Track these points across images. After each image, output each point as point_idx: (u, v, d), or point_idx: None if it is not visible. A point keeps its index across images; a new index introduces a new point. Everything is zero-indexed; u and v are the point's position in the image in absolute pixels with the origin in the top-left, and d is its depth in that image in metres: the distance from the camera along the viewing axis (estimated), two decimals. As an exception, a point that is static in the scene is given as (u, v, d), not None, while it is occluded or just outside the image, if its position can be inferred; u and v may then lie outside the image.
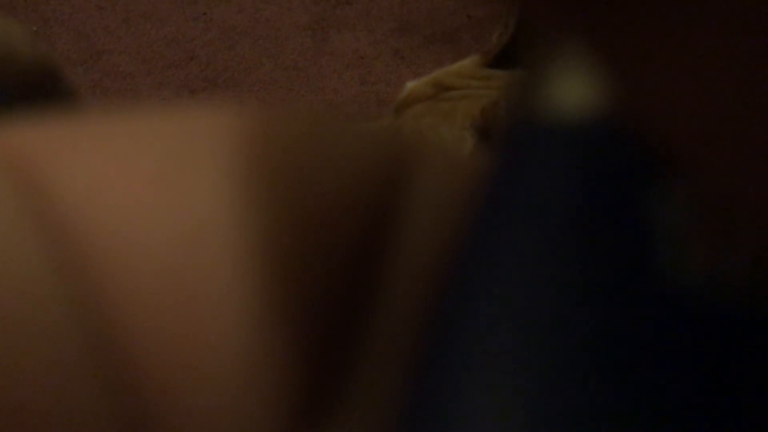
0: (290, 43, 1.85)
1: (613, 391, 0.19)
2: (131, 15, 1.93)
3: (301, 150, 0.22)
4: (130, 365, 0.20)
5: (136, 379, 0.20)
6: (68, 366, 0.19)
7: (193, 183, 0.21)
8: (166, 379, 0.20)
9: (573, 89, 0.20)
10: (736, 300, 0.19)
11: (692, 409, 0.18)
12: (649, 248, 0.19)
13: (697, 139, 0.15)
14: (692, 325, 0.19)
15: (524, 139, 0.20)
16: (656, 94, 0.15)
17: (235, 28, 1.89)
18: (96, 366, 0.20)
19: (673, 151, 0.16)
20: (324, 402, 0.21)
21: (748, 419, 0.18)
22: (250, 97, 1.82)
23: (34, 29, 1.78)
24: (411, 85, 1.21)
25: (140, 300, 0.20)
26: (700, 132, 0.15)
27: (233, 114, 0.22)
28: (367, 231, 0.21)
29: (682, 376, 0.18)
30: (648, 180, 0.19)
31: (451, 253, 0.21)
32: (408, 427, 0.20)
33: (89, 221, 0.20)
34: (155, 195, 0.21)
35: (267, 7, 1.89)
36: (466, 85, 1.14)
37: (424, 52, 1.81)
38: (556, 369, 0.19)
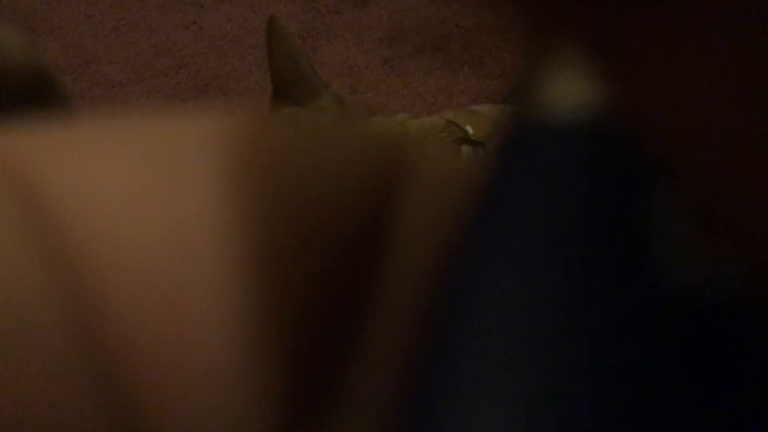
0: (280, 52, 1.85)
1: (613, 390, 0.19)
2: (120, 24, 1.93)
3: (291, 152, 0.22)
4: (120, 366, 0.20)
5: (127, 381, 0.20)
6: (60, 368, 0.19)
7: (183, 185, 0.21)
8: (156, 380, 0.20)
9: (570, 90, 0.20)
10: (735, 300, 0.19)
11: (691, 407, 0.18)
12: (647, 248, 0.19)
13: (694, 138, 0.15)
14: (691, 325, 0.19)
15: (521, 139, 0.21)
16: (653, 94, 0.15)
17: (224, 37, 1.88)
18: (87, 368, 0.20)
19: (670, 151, 0.16)
20: (315, 403, 0.21)
21: (747, 417, 0.18)
22: (240, 106, 1.82)
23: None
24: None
25: (131, 300, 0.20)
26: (697, 132, 0.15)
27: (223, 118, 0.22)
28: (360, 232, 0.21)
29: (681, 375, 0.18)
30: (646, 180, 0.19)
31: (447, 253, 0.21)
32: (404, 429, 0.20)
33: (81, 224, 0.20)
34: (146, 198, 0.21)
35: (256, 16, 1.89)
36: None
37: (414, 61, 1.81)
38: (556, 368, 0.19)
